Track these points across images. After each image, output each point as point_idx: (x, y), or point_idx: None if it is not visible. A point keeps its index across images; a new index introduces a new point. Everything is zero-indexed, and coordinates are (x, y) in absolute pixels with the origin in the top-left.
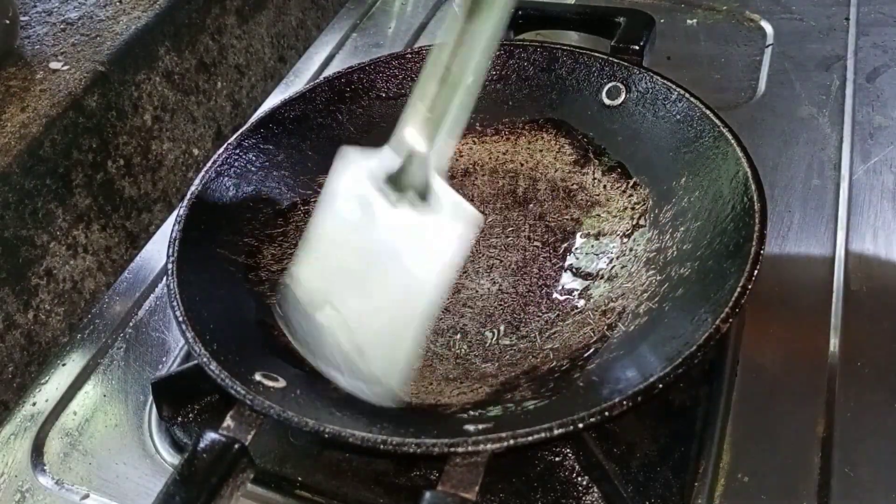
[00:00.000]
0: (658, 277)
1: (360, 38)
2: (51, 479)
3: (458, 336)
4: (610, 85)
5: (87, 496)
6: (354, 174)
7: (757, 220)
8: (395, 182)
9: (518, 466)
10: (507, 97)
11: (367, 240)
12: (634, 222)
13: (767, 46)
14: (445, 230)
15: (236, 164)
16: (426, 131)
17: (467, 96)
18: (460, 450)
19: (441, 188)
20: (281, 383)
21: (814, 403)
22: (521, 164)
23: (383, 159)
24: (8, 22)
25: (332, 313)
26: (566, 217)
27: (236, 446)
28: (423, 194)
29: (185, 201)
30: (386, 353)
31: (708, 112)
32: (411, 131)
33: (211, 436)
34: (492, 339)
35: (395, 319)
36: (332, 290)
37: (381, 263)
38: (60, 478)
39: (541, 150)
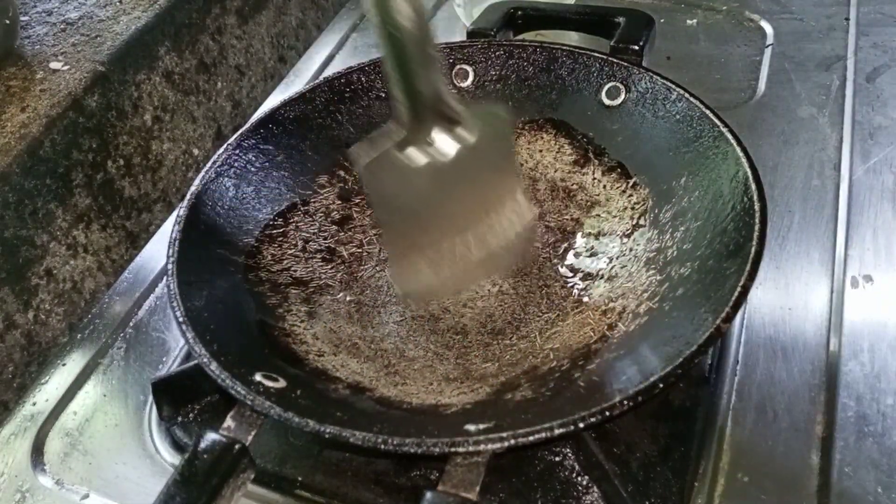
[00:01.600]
0: (658, 277)
1: (360, 38)
2: (51, 479)
3: (459, 336)
4: (610, 85)
5: (87, 496)
6: (387, 162)
7: (757, 220)
8: (421, 137)
9: (518, 466)
10: (507, 97)
11: (445, 198)
12: (634, 222)
13: (767, 46)
14: (493, 137)
15: (236, 164)
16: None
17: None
18: (461, 450)
19: (459, 108)
20: (281, 383)
21: (814, 403)
22: (521, 164)
23: (394, 133)
24: (8, 22)
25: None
26: (566, 217)
27: (237, 447)
28: (451, 123)
29: (185, 201)
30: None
31: (708, 112)
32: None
33: (211, 436)
34: (492, 338)
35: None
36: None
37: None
38: (60, 478)
39: (541, 150)
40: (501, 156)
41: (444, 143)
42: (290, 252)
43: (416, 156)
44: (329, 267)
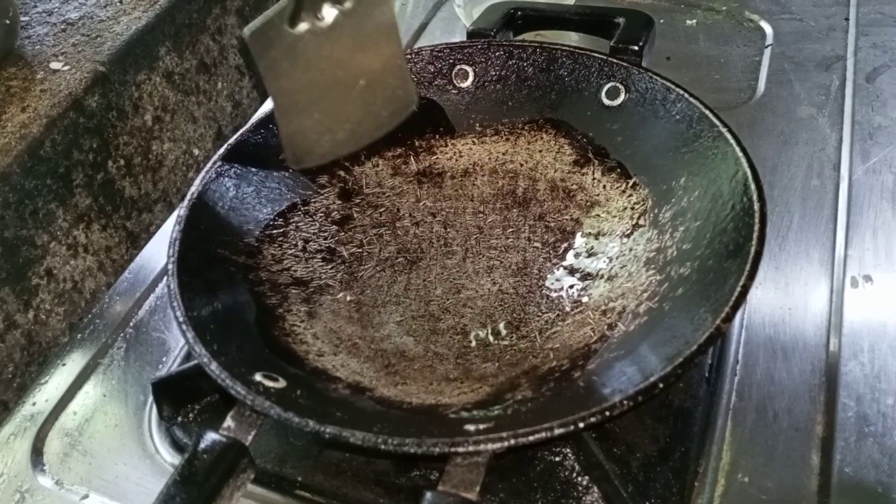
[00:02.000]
0: (658, 277)
1: None
2: (51, 479)
3: (459, 336)
4: (609, 85)
5: (86, 496)
6: (273, 30)
7: (757, 220)
8: (307, 6)
9: (518, 466)
10: (507, 97)
11: (327, 61)
12: (634, 222)
13: (767, 47)
14: (372, 4)
15: (237, 164)
16: None
17: None
18: (461, 449)
19: None
20: (281, 383)
21: (814, 403)
22: (521, 165)
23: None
24: (8, 22)
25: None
26: (566, 217)
27: (237, 447)
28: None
29: (186, 201)
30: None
31: (707, 112)
32: None
33: (211, 436)
34: (492, 339)
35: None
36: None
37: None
38: (60, 478)
39: (540, 151)
40: (382, 21)
41: (327, 12)
42: (290, 252)
43: (300, 23)
44: (329, 267)
